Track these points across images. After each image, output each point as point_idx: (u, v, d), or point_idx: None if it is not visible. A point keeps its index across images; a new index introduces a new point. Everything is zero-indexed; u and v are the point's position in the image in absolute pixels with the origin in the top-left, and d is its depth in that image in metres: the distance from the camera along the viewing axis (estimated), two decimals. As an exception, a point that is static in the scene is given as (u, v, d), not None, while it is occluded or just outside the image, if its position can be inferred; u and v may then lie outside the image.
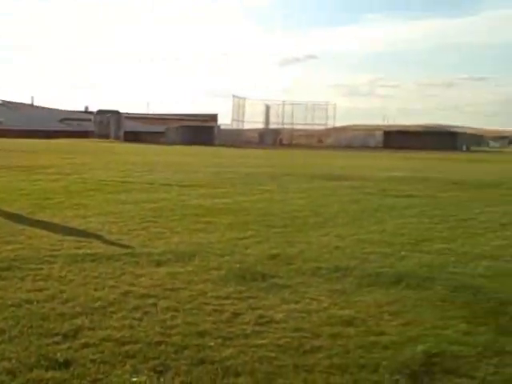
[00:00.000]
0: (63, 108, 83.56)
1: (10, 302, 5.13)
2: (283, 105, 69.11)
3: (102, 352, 4.13)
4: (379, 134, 67.12)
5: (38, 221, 9.29)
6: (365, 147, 57.15)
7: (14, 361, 3.92)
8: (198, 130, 61.60)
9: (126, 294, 5.51)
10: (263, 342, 4.41)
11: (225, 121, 69.49)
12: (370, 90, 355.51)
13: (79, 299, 5.28)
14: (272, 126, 70.09)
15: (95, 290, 5.61)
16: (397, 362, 4.10)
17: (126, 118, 68.01)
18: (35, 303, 5.13)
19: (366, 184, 16.88)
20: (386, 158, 35.07)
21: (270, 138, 67.17)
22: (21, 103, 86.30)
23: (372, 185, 16.69)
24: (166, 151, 36.29)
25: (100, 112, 73.69)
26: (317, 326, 4.78)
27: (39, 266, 6.38)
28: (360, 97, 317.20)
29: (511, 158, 43.72)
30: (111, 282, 5.87)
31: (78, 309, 5.02)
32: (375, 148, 56.20)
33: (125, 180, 16.29)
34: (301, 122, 69.24)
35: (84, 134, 62.84)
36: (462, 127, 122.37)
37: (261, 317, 4.96)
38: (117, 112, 70.09)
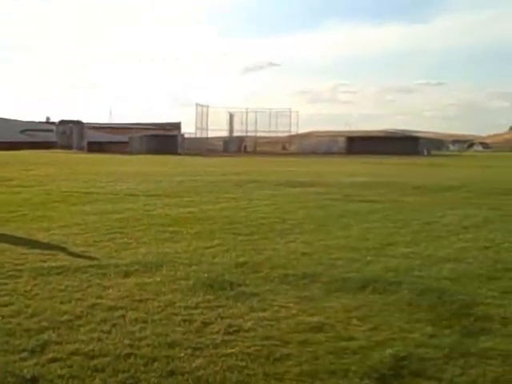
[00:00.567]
0: (24, 119, 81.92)
1: (-26, 319, 5.03)
2: (247, 112, 69.17)
3: (71, 366, 4.09)
4: (342, 140, 67.57)
5: (2, 234, 9.13)
6: (328, 153, 57.47)
7: (-20, 378, 3.86)
8: (162, 139, 61.08)
9: (93, 306, 5.46)
10: (233, 351, 4.42)
11: (188, 129, 68.97)
12: (332, 96, 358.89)
13: (46, 313, 5.21)
14: (236, 134, 70.12)
15: (62, 303, 5.54)
16: (366, 367, 4.16)
17: (89, 128, 67.21)
18: (0, 319, 5.05)
19: (331, 190, 17.01)
20: (349, 164, 35.37)
21: (234, 146, 67.13)
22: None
23: (336, 190, 16.83)
24: (130, 161, 35.98)
25: (62, 122, 72.55)
26: (286, 334, 4.81)
27: (4, 281, 6.28)
28: (323, 103, 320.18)
29: (469, 161, 44.57)
30: (78, 295, 5.81)
31: (44, 323, 4.95)
32: (338, 154, 56.58)
33: (89, 191, 16.09)
34: (264, 129, 69.41)
35: (47, 145, 61.89)
36: (423, 132, 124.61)
37: (230, 326, 4.96)
38: (79, 122, 69.22)
